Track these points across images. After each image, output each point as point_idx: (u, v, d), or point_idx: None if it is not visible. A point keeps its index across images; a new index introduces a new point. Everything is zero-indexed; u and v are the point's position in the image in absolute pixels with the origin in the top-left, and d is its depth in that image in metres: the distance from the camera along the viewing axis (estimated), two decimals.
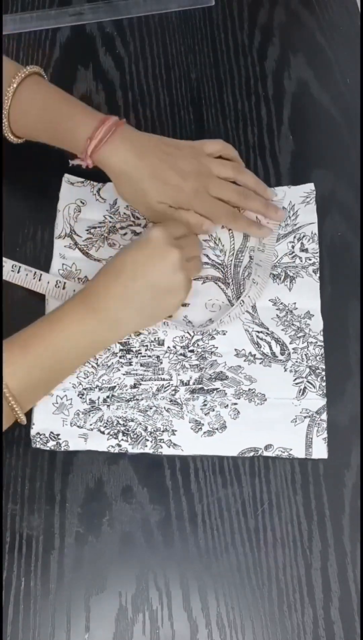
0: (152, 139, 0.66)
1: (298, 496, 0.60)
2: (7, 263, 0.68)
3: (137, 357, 0.64)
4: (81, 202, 0.71)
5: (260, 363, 0.64)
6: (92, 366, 0.64)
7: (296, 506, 0.60)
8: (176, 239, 0.62)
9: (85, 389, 0.63)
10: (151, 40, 0.83)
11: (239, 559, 0.59)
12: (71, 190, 0.72)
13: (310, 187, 0.72)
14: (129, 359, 0.64)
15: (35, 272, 0.67)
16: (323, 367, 0.64)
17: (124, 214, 0.71)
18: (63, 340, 0.58)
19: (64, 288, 0.66)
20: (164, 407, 0.63)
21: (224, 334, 0.65)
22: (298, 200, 0.72)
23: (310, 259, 0.69)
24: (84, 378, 0.64)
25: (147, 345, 0.65)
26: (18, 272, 0.67)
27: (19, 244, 0.70)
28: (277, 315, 0.66)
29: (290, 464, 0.62)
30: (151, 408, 0.63)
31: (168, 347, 0.65)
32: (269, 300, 0.67)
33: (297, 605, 0.57)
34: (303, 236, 0.70)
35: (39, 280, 0.67)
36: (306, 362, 0.64)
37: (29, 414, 0.62)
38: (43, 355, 0.58)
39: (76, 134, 0.64)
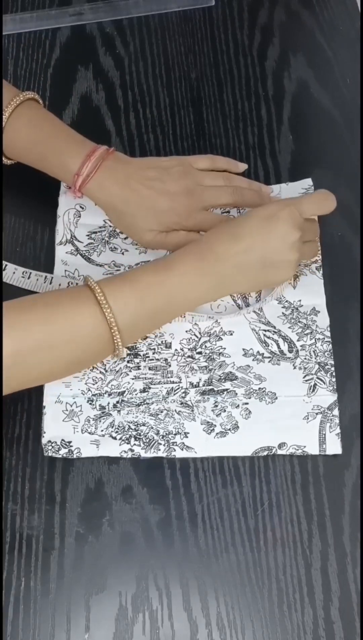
0: (137, 166, 0.66)
1: (298, 496, 0.60)
2: (18, 270, 0.68)
3: (145, 360, 0.64)
4: (81, 207, 0.71)
5: (269, 362, 0.65)
6: (100, 372, 0.64)
7: (296, 506, 0.60)
8: (304, 220, 0.63)
9: (94, 395, 0.63)
10: (151, 40, 0.83)
11: (239, 559, 0.59)
12: (69, 196, 0.72)
13: (307, 182, 0.73)
14: (137, 363, 0.64)
15: (45, 277, 0.67)
16: (332, 362, 0.64)
17: None
18: (175, 287, 0.60)
19: None
20: (175, 410, 0.63)
21: (231, 334, 0.65)
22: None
23: None
24: (93, 384, 0.63)
25: (154, 349, 0.65)
26: (29, 277, 0.68)
27: (19, 244, 0.70)
28: (283, 313, 0.67)
29: (290, 464, 0.62)
30: (161, 411, 0.63)
31: (176, 349, 0.65)
32: (274, 298, 0.67)
33: (297, 605, 0.57)
34: None
35: (50, 283, 0.67)
36: (315, 358, 0.65)
37: (37, 426, 0.62)
38: (154, 298, 0.59)
39: (64, 169, 0.66)
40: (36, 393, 0.63)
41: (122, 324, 0.57)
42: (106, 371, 0.64)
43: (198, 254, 0.60)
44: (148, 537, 0.59)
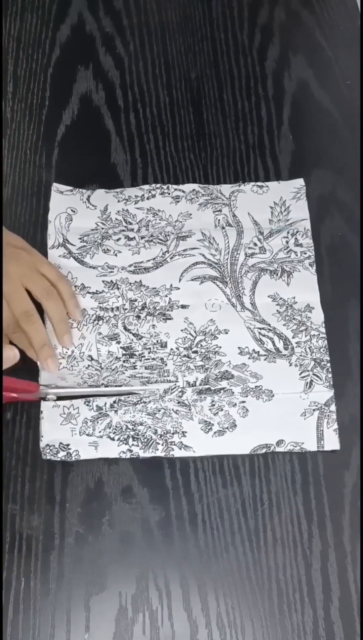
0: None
1: (298, 496, 0.60)
2: None
3: (141, 360, 0.64)
4: (72, 210, 0.71)
5: (265, 359, 0.65)
6: (95, 369, 0.64)
7: (296, 506, 0.60)
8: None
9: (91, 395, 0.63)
10: (151, 40, 0.83)
11: (239, 559, 0.58)
12: (60, 199, 0.72)
13: (299, 182, 0.73)
14: (133, 362, 0.64)
15: None
16: (328, 358, 0.65)
17: (116, 219, 0.71)
18: None
19: None
20: (173, 409, 0.63)
21: (226, 333, 0.66)
22: (289, 196, 0.72)
23: (305, 253, 0.69)
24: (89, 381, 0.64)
25: (150, 348, 0.65)
26: None
27: None
28: (277, 310, 0.67)
29: (290, 464, 0.62)
30: (159, 410, 0.63)
31: (171, 349, 0.65)
32: (268, 296, 0.67)
33: (297, 605, 0.57)
34: (297, 232, 0.70)
35: None
36: (311, 355, 0.65)
37: (37, 426, 0.62)
38: None
39: None
40: None
41: None
42: (102, 369, 0.64)
43: None
44: (148, 537, 0.59)
